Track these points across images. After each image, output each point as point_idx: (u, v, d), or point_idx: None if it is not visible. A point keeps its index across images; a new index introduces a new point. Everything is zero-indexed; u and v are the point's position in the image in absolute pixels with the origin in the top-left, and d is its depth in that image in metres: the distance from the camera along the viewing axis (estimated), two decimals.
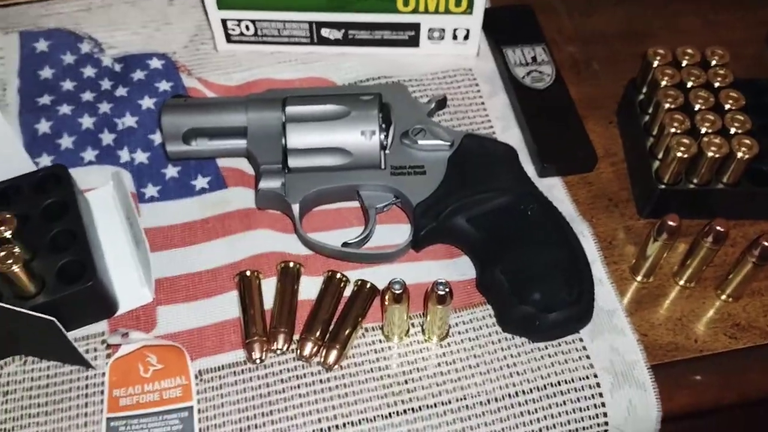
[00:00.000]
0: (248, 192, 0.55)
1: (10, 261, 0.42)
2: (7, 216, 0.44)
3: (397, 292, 0.44)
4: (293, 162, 0.52)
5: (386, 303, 0.45)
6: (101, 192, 0.54)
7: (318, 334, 0.47)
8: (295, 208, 0.51)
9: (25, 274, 0.43)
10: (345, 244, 0.50)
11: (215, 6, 0.60)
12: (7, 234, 0.44)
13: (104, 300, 0.47)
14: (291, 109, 0.52)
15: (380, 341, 0.48)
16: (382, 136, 0.51)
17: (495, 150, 0.53)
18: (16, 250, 0.42)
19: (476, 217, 0.49)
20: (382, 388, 0.46)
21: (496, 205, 0.49)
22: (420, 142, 0.52)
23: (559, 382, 0.47)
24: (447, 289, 0.44)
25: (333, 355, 0.47)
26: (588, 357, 0.47)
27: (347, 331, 0.47)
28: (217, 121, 0.53)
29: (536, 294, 0.46)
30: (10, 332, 0.44)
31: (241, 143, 0.53)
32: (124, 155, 0.57)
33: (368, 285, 0.49)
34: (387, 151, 0.52)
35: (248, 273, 0.50)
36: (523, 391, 0.46)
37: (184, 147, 0.53)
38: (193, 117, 0.53)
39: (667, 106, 0.52)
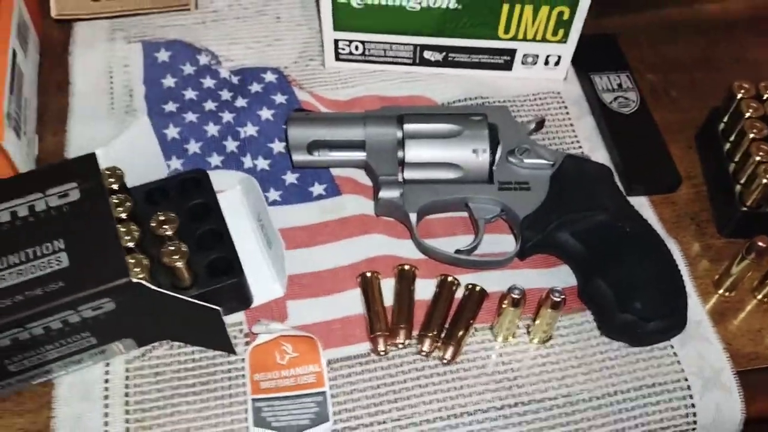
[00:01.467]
0: (361, 199, 0.60)
1: (177, 256, 0.48)
2: (171, 215, 0.50)
3: (517, 297, 0.49)
4: (409, 174, 0.57)
5: (504, 306, 0.50)
6: (229, 195, 0.59)
7: (435, 331, 0.52)
8: (413, 216, 0.56)
9: (186, 268, 0.48)
10: (458, 251, 0.55)
11: (331, 27, 0.65)
12: (170, 232, 0.49)
13: (244, 294, 0.53)
14: (409, 127, 0.57)
15: (489, 340, 0.53)
16: (491, 154, 0.57)
17: (593, 169, 0.58)
18: (184, 247, 0.48)
19: (579, 231, 0.54)
20: (493, 383, 0.52)
21: (597, 220, 0.54)
22: (525, 160, 0.57)
23: (653, 384, 0.52)
24: (562, 297, 0.49)
25: (450, 351, 0.52)
26: (679, 362, 0.52)
27: (461, 330, 0.52)
28: (337, 134, 0.59)
29: (638, 303, 0.51)
30: (166, 319, 0.49)
31: (360, 155, 0.59)
32: (248, 161, 0.62)
33: (478, 288, 0.54)
34: (494, 168, 0.57)
35: (369, 274, 0.55)
36: (621, 391, 0.51)
37: (308, 157, 0.59)
38: (316, 130, 0.59)
39: (752, 135, 0.57)
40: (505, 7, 0.62)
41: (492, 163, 0.57)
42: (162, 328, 0.51)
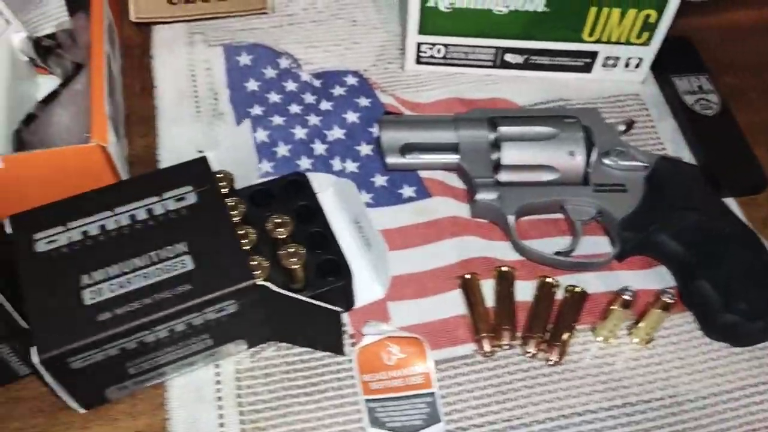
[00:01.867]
0: (452, 201, 0.61)
1: (295, 259, 0.48)
2: (286, 218, 0.50)
3: (629, 298, 0.50)
4: (505, 176, 0.57)
5: (613, 307, 0.51)
6: (322, 197, 0.60)
7: (539, 333, 0.53)
8: (511, 219, 0.56)
9: (302, 270, 0.49)
10: (558, 253, 0.56)
11: (416, 31, 0.65)
12: (285, 235, 0.50)
13: (350, 295, 0.53)
14: (505, 129, 0.58)
15: (590, 341, 0.54)
16: (586, 156, 0.57)
17: (686, 171, 0.58)
18: (302, 250, 0.48)
19: (678, 232, 0.54)
20: (600, 384, 0.52)
21: (695, 221, 0.55)
22: (621, 162, 0.57)
23: (756, 384, 0.52)
24: (673, 298, 0.50)
25: (556, 352, 0.52)
26: None
27: (565, 331, 0.53)
28: (429, 137, 0.59)
29: (743, 304, 0.51)
30: (282, 320, 0.50)
31: (453, 158, 0.59)
32: (336, 164, 0.63)
33: (578, 290, 0.55)
34: (589, 170, 0.58)
35: (468, 276, 0.55)
36: (726, 391, 0.52)
37: (402, 160, 0.59)
38: (408, 133, 0.59)
39: None
40: (593, 11, 0.63)
41: (587, 164, 0.57)
42: (275, 329, 0.51)
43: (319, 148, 0.64)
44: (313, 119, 0.65)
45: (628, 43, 0.65)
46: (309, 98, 0.67)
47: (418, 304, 0.55)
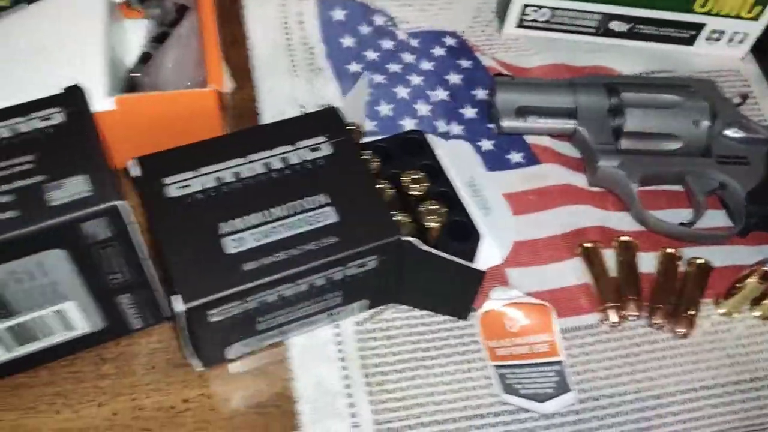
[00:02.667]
0: (562, 169, 0.59)
1: (435, 217, 0.46)
2: (421, 175, 0.48)
3: None
4: (625, 144, 0.56)
5: (750, 279, 0.50)
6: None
7: (665, 304, 0.52)
8: (634, 187, 0.55)
9: (439, 230, 0.47)
10: (682, 224, 0.54)
11: None
12: (420, 192, 0.48)
13: (474, 259, 0.51)
14: (629, 96, 0.56)
15: (714, 314, 0.53)
16: (711, 126, 0.56)
17: None
18: (443, 209, 0.46)
19: None
20: (727, 358, 0.51)
21: None
22: (743, 134, 0.56)
23: None
24: None
25: (685, 324, 0.51)
26: None
27: (692, 304, 0.52)
28: (545, 101, 0.58)
29: None
30: (416, 280, 0.48)
31: (569, 124, 0.57)
32: (441, 126, 0.61)
33: (702, 262, 0.54)
34: (711, 141, 0.56)
35: (589, 244, 0.54)
36: None
37: (517, 123, 0.58)
38: (523, 95, 0.58)
39: None
40: None
41: (710, 135, 0.56)
42: (403, 290, 0.49)
43: (423, 108, 0.61)
44: (415, 79, 0.63)
45: (737, 17, 0.64)
46: (408, 57, 0.65)
47: (537, 272, 0.54)
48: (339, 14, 0.66)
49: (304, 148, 0.47)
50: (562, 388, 0.48)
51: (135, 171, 0.45)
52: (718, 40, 0.66)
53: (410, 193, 0.48)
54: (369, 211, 0.45)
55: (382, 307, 0.51)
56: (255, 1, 0.67)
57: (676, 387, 0.50)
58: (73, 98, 0.41)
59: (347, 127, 0.49)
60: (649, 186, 0.58)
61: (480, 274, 0.46)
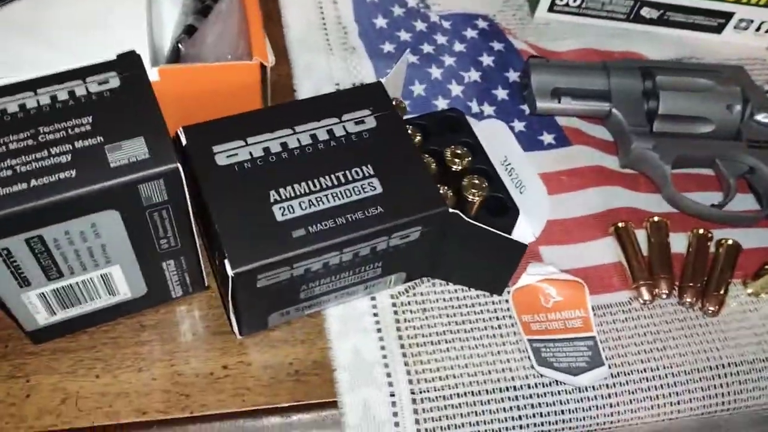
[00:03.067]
0: (593, 150, 0.60)
1: (477, 191, 0.47)
2: (464, 149, 0.49)
3: None
4: (659, 126, 0.57)
5: None
6: None
7: (696, 283, 0.53)
8: (667, 169, 0.56)
9: (479, 204, 0.48)
10: (713, 206, 0.55)
11: None
12: (461, 167, 0.48)
13: (522, 252, 0.52)
14: (663, 79, 0.57)
15: (742, 295, 0.54)
16: (743, 111, 0.57)
17: None
18: (485, 183, 0.47)
19: None
20: (754, 336, 0.52)
21: None
22: None
23: None
24: None
25: (715, 303, 0.52)
26: None
27: (722, 283, 0.53)
28: (580, 82, 0.58)
29: None
30: (456, 253, 0.48)
31: (604, 106, 0.58)
32: (474, 107, 0.61)
33: (731, 242, 0.54)
34: (742, 126, 0.57)
35: (621, 224, 0.55)
36: None
37: (552, 104, 0.58)
38: (558, 77, 0.58)
39: None
40: None
41: (742, 120, 0.57)
42: (440, 263, 0.50)
43: (456, 89, 0.62)
44: (448, 60, 0.64)
45: (766, 5, 0.65)
46: (441, 39, 0.65)
47: (569, 250, 0.55)
48: None
49: (349, 121, 0.47)
50: (595, 362, 0.49)
51: (182, 139, 0.45)
52: (746, 28, 0.67)
53: (452, 167, 0.48)
54: (414, 183, 0.45)
55: (416, 281, 0.52)
56: None
57: (706, 363, 0.50)
58: (128, 63, 0.42)
59: (394, 108, 0.49)
60: (680, 169, 0.58)
61: (522, 248, 0.47)
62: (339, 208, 0.44)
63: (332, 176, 0.45)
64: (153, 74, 0.50)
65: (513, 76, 0.63)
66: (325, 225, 0.43)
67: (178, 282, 0.47)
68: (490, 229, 0.46)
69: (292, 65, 0.62)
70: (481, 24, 0.67)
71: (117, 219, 0.40)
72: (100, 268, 0.43)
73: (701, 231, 0.55)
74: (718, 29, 0.67)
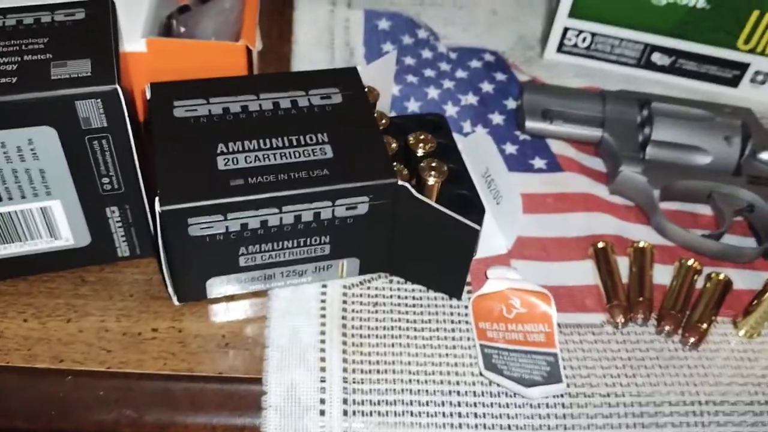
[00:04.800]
0: (585, 179, 0.57)
1: (435, 173, 0.45)
2: (429, 135, 0.48)
3: None
4: (652, 153, 0.54)
5: (765, 297, 0.46)
6: None
7: (677, 312, 0.48)
8: (656, 193, 0.53)
9: (438, 190, 0.46)
10: (704, 236, 0.51)
11: (567, 13, 0.64)
12: (421, 152, 0.47)
13: (475, 239, 0.49)
14: (658, 106, 0.55)
15: (730, 334, 0.49)
16: (742, 145, 0.54)
17: None
18: (445, 168, 0.45)
19: None
20: (740, 377, 0.46)
21: None
22: None
23: None
24: None
25: (696, 334, 0.47)
26: None
27: (706, 316, 0.48)
28: (573, 106, 0.57)
29: None
30: (407, 239, 0.46)
31: (596, 132, 0.56)
32: (467, 127, 0.60)
33: (722, 277, 0.50)
34: (743, 161, 0.54)
35: (601, 244, 0.51)
36: None
37: (542, 124, 0.57)
38: (551, 99, 0.57)
39: None
40: (754, 15, 0.61)
41: (742, 154, 0.54)
42: (394, 255, 0.47)
43: (451, 109, 0.62)
44: (447, 83, 0.63)
45: None
46: (444, 66, 0.66)
47: (543, 267, 0.51)
48: (384, 24, 0.69)
49: (315, 95, 0.47)
50: (552, 378, 0.45)
51: (148, 94, 0.46)
52: (763, 83, 0.65)
53: (415, 150, 0.47)
54: (368, 154, 0.44)
55: (373, 276, 0.49)
56: (306, 5, 0.70)
57: (679, 397, 0.45)
58: (98, 4, 0.43)
59: (364, 88, 0.49)
60: (672, 201, 0.55)
61: (475, 234, 0.44)
62: (284, 165, 0.43)
63: (285, 138, 0.44)
64: (141, 45, 0.52)
65: (512, 104, 0.62)
66: (266, 178, 0.42)
67: (124, 238, 0.47)
68: (440, 208, 0.44)
69: (292, 68, 0.63)
70: (488, 57, 0.67)
71: (54, 139, 0.40)
72: (40, 199, 0.42)
73: (690, 262, 0.51)
74: (734, 82, 0.65)
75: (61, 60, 0.39)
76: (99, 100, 0.39)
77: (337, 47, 0.66)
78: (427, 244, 0.46)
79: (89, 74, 0.39)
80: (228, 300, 0.47)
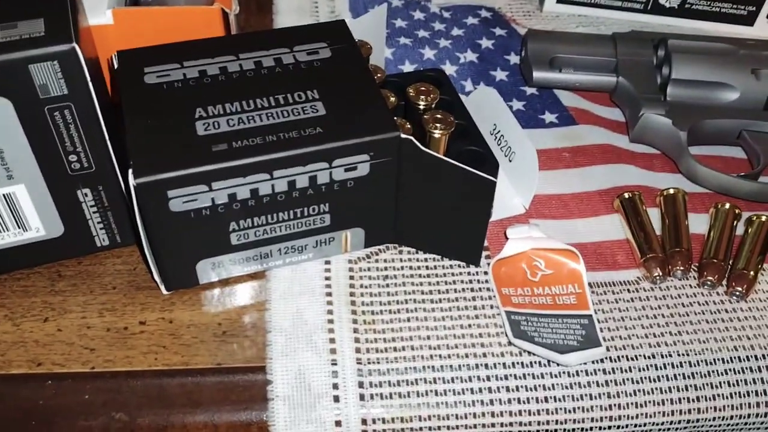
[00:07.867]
0: (601, 130, 0.53)
1: (441, 125, 0.41)
2: (431, 86, 0.43)
3: None
4: (673, 93, 0.50)
5: None
6: None
7: (720, 260, 0.43)
8: (683, 135, 0.48)
9: (445, 144, 0.41)
10: (740, 176, 0.47)
11: None
12: (423, 104, 0.42)
13: (490, 196, 0.45)
14: (675, 42, 0.50)
15: None
16: None
17: None
18: (452, 118, 0.41)
19: None
20: None
21: None
22: None
23: None
24: None
25: (742, 284, 0.42)
26: None
27: (753, 262, 0.43)
28: (583, 52, 0.52)
29: None
30: (417, 203, 0.41)
31: (609, 79, 0.52)
32: (468, 86, 0.56)
33: (765, 218, 0.45)
34: None
35: (628, 195, 0.47)
36: None
37: (551, 74, 0.52)
38: (558, 45, 0.53)
39: None
40: None
41: None
42: (402, 222, 0.43)
43: (449, 69, 0.57)
44: (444, 42, 0.59)
45: None
46: (438, 26, 0.61)
47: (566, 225, 0.47)
48: None
49: (301, 51, 0.43)
50: (590, 342, 0.40)
51: (116, 63, 0.41)
52: None
53: (418, 104, 0.42)
54: (365, 109, 0.39)
55: (380, 248, 0.45)
56: None
57: (732, 353, 0.41)
58: None
59: (355, 42, 0.45)
60: (698, 146, 0.50)
61: (491, 187, 0.40)
62: (271, 126, 0.38)
63: (270, 98, 0.39)
64: (106, 17, 0.47)
65: (515, 59, 0.58)
66: (252, 141, 0.37)
67: (101, 225, 0.42)
68: (450, 161, 0.39)
69: None
70: (484, 13, 0.62)
71: (10, 112, 0.35)
72: (0, 185, 0.38)
73: (727, 205, 0.46)
74: (749, 20, 0.61)
75: (10, 21, 0.34)
76: (56, 62, 0.34)
77: (322, 15, 0.62)
78: (437, 207, 0.41)
79: (42, 34, 0.34)
80: (222, 285, 0.43)
